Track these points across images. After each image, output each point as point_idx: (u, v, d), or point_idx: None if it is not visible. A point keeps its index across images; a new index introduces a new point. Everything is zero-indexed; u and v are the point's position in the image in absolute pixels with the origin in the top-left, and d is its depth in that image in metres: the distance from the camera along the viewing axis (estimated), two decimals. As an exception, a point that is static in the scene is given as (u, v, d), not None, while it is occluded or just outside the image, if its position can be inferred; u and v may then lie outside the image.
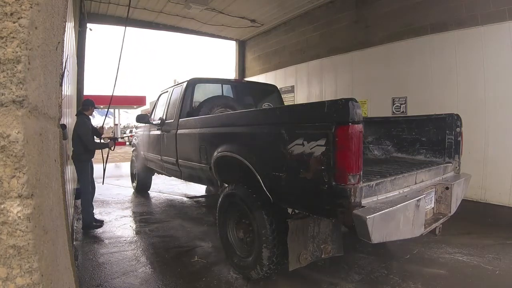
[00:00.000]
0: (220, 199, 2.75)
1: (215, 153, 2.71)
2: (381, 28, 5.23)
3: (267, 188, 2.16)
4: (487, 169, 3.90)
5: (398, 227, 1.78)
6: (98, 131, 4.18)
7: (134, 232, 3.68)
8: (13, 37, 0.57)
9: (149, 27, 7.80)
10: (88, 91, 7.02)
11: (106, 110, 4.70)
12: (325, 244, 2.23)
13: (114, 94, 3.91)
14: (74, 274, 1.15)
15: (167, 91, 4.45)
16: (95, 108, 3.99)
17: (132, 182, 6.00)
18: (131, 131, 16.98)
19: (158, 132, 4.22)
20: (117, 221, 4.07)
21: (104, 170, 4.36)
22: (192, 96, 3.83)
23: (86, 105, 3.85)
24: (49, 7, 0.74)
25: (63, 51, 1.05)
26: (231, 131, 2.60)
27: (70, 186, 3.17)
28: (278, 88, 4.99)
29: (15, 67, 0.57)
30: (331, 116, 1.69)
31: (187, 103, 3.75)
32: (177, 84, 4.25)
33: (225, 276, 2.57)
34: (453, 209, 2.39)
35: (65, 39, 1.14)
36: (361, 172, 1.67)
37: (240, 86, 4.76)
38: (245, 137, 2.35)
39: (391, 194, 2.00)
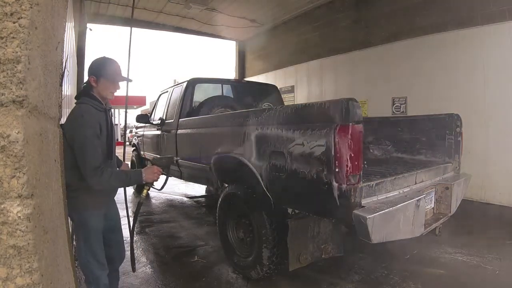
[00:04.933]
0: (220, 199, 2.75)
1: (215, 153, 2.71)
2: (381, 28, 5.23)
3: (267, 188, 2.16)
4: (487, 169, 3.90)
5: (398, 227, 1.78)
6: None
7: (134, 232, 3.67)
8: (13, 37, 0.57)
9: (149, 27, 7.80)
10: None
11: (123, 111, 4.00)
12: (325, 244, 2.23)
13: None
14: (74, 274, 1.15)
15: (167, 91, 4.45)
16: (110, 79, 1.68)
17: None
18: (131, 131, 16.88)
19: (158, 132, 4.22)
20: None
21: (132, 249, 1.98)
22: (192, 96, 3.83)
23: (91, 72, 1.66)
24: (49, 7, 0.74)
25: (63, 51, 1.05)
26: (231, 131, 2.60)
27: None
28: (278, 88, 4.99)
29: (15, 67, 0.58)
30: (331, 116, 1.69)
31: (187, 103, 3.75)
32: (177, 84, 4.25)
33: (225, 276, 2.56)
34: (453, 209, 2.39)
35: (65, 39, 1.14)
36: (361, 172, 1.67)
37: (240, 86, 4.76)
38: (245, 137, 2.35)
39: (391, 194, 2.00)
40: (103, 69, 1.67)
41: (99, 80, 1.66)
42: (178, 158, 2.29)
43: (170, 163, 1.90)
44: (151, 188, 1.82)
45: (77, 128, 1.52)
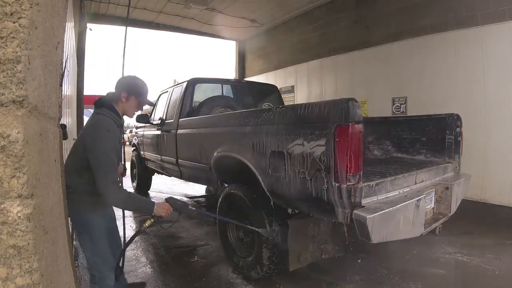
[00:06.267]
0: (220, 199, 2.75)
1: (215, 153, 2.71)
2: (381, 28, 5.23)
3: (267, 188, 2.16)
4: (487, 169, 3.90)
5: (398, 227, 1.78)
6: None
7: (134, 232, 3.67)
8: (13, 37, 0.57)
9: (149, 27, 7.80)
10: (88, 91, 6.99)
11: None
12: (325, 244, 2.23)
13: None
14: (74, 274, 1.15)
15: (167, 91, 4.45)
16: (139, 100, 1.77)
17: (132, 182, 6.00)
18: (131, 131, 16.86)
19: (158, 132, 4.22)
20: (117, 222, 4.07)
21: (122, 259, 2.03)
22: (192, 96, 3.83)
23: (125, 88, 1.71)
24: (49, 7, 0.74)
25: (63, 51, 1.05)
26: (231, 131, 2.59)
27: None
28: (278, 88, 4.99)
29: (15, 67, 0.57)
30: (331, 116, 1.69)
31: (187, 103, 3.75)
32: (177, 84, 4.25)
33: (225, 276, 2.56)
34: (453, 209, 2.39)
35: (65, 39, 1.14)
36: (361, 172, 1.67)
37: (240, 86, 4.76)
38: (245, 137, 2.35)
39: (391, 194, 2.00)
40: (138, 90, 1.75)
41: (129, 98, 1.72)
42: (194, 208, 2.10)
43: (183, 210, 1.89)
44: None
45: (101, 142, 1.54)
